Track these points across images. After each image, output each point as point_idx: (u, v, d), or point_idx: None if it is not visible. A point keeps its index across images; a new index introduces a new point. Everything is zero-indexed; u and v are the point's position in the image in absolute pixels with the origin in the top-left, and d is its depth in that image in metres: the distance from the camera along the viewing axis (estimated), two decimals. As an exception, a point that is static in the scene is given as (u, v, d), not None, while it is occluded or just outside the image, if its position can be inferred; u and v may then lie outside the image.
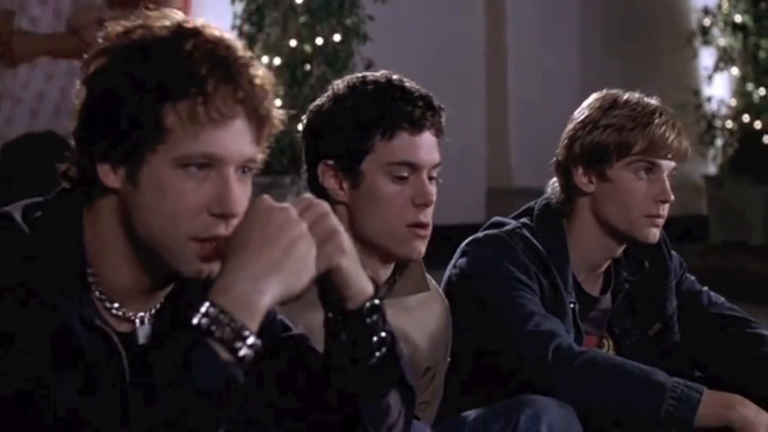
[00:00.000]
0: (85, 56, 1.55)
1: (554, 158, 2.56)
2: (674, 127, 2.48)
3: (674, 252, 2.68)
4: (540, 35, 9.53)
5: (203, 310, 1.44)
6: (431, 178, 2.20)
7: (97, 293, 1.56)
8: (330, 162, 2.18)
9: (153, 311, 1.61)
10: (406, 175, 2.16)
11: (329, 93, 2.21)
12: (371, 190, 2.16)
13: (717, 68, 10.42)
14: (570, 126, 2.53)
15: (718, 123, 10.50)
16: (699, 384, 2.28)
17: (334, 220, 1.57)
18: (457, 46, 9.08)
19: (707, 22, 10.44)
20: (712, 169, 10.67)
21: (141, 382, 1.44)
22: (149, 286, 1.59)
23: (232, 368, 1.44)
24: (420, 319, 2.28)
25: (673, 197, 2.51)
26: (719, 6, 10.39)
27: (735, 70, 10.48)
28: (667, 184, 2.49)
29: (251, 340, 1.45)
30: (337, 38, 7.27)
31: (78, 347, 1.49)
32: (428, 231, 2.18)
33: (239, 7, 7.28)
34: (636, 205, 2.47)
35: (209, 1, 7.40)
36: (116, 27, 1.55)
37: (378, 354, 1.60)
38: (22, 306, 1.46)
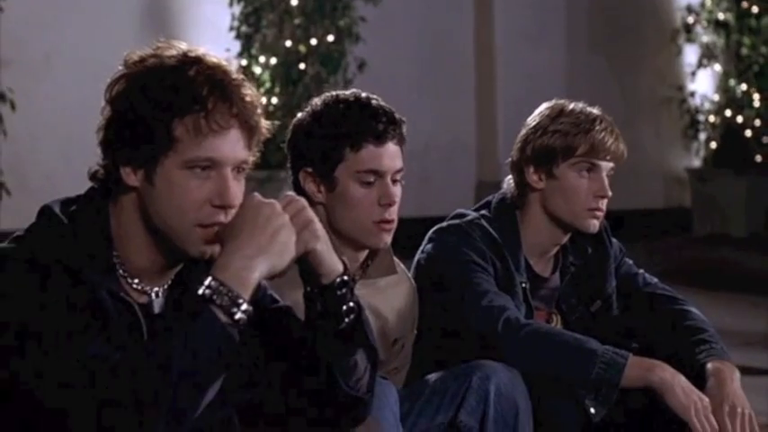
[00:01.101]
0: (108, 80, 1.91)
1: (509, 158, 2.90)
2: (613, 133, 2.81)
3: (614, 239, 3.00)
4: (527, 34, 9.70)
5: (206, 282, 1.79)
6: (395, 181, 2.52)
7: (121, 272, 1.90)
8: (309, 170, 2.53)
9: (165, 287, 1.95)
10: (372, 180, 2.49)
11: (308, 109, 2.56)
12: (344, 193, 2.50)
13: (700, 65, 10.61)
14: (523, 131, 2.86)
15: (701, 118, 10.66)
16: (625, 351, 2.61)
17: (310, 213, 1.92)
18: (447, 45, 9.28)
19: (690, 19, 10.62)
20: (696, 163, 10.85)
21: (157, 341, 1.80)
22: (162, 266, 1.93)
23: (229, 329, 1.79)
24: (389, 297, 2.62)
25: (611, 193, 2.83)
26: (702, 4, 10.53)
27: (718, 67, 10.65)
28: (606, 181, 2.81)
29: (244, 307, 1.80)
30: (331, 38, 7.51)
31: (107, 314, 1.83)
32: (392, 225, 2.52)
33: (237, 9, 7.53)
34: (578, 200, 2.81)
35: (208, 3, 7.70)
36: (133, 56, 1.90)
37: (347, 320, 1.94)
38: (62, 280, 1.81)
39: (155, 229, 1.90)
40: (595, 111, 2.85)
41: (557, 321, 2.88)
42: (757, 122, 10.60)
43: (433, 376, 2.58)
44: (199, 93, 1.85)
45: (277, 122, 6.59)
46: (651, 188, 10.92)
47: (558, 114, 2.82)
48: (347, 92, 2.55)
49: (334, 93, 2.57)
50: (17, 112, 6.48)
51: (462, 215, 2.86)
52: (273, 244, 1.84)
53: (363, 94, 2.53)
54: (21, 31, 6.89)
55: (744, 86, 10.61)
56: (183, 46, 1.91)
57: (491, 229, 2.80)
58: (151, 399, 1.74)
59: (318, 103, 2.55)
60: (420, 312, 2.73)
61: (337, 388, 1.96)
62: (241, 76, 1.91)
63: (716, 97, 10.71)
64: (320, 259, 1.92)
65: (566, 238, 2.88)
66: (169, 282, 1.96)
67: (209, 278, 1.80)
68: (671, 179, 11.04)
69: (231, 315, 1.80)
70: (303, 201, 1.93)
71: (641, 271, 3.00)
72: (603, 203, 2.83)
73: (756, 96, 10.62)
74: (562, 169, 2.81)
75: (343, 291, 1.94)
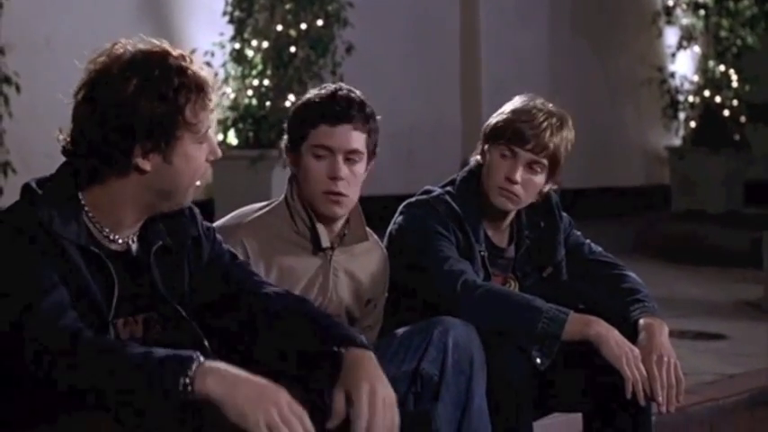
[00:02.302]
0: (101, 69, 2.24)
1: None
2: (539, 127, 3.06)
3: (564, 213, 3.32)
4: (511, 17, 9.86)
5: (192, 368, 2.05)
6: (350, 160, 2.86)
7: (96, 227, 2.25)
8: (289, 145, 2.93)
9: (137, 234, 2.33)
10: (323, 154, 2.86)
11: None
12: (304, 165, 2.89)
13: (680, 46, 10.84)
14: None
15: (681, 98, 10.88)
16: (566, 309, 2.96)
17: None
18: (432, 29, 9.44)
19: (670, 2, 10.80)
20: (676, 141, 11.07)
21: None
22: (139, 220, 2.31)
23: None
24: (363, 263, 2.97)
25: (519, 180, 3.08)
26: (682, -13, 10.89)
27: (697, 48, 10.87)
28: (519, 169, 3.08)
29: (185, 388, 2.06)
30: (320, 23, 7.66)
31: (72, 262, 2.18)
32: (341, 198, 2.87)
33: (230, -5, 7.69)
34: (494, 178, 3.12)
35: (202, -11, 7.94)
36: (104, 58, 2.24)
37: None
38: (35, 238, 2.16)
39: (162, 195, 2.27)
40: (540, 104, 3.12)
41: (514, 286, 3.22)
42: (735, 102, 10.84)
43: (399, 331, 2.90)
44: (199, 84, 2.26)
45: (269, 103, 7.14)
46: (632, 166, 11.19)
47: (514, 104, 3.15)
48: (333, 85, 2.93)
49: (324, 85, 2.96)
50: (20, 94, 6.61)
51: (429, 191, 3.21)
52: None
53: (344, 87, 2.91)
54: (22, 15, 6.98)
55: (722, 68, 10.83)
56: (143, 44, 2.27)
57: (454, 204, 3.13)
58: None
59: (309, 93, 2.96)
60: (391, 277, 3.07)
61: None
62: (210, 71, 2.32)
63: (695, 78, 10.93)
64: None
65: (508, 211, 3.18)
66: (137, 230, 2.33)
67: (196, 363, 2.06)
68: (651, 157, 11.28)
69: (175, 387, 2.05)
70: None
71: (588, 241, 3.33)
72: (515, 188, 3.11)
73: (734, 77, 10.85)
74: (492, 148, 3.14)
75: None
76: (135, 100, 2.21)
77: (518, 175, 3.10)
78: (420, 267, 3.03)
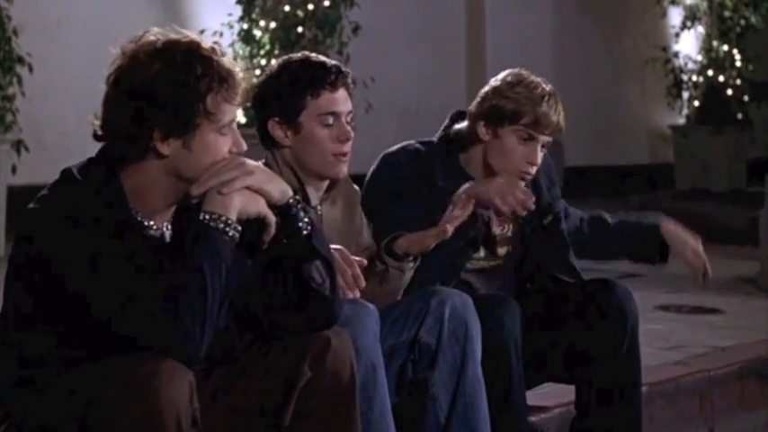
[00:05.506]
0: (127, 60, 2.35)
1: (469, 108, 3.31)
2: (557, 111, 3.18)
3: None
4: None
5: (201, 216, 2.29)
6: (349, 120, 2.98)
7: (139, 217, 2.37)
8: (276, 119, 2.98)
9: (170, 221, 2.43)
10: (331, 121, 2.96)
11: (267, 72, 3.01)
12: (309, 135, 2.96)
13: (684, 26, 10.91)
14: (486, 88, 3.27)
15: (685, 77, 10.95)
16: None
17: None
18: (438, 9, 9.51)
19: (674, -18, 11.04)
20: (679, 120, 11.15)
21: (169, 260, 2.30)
22: (170, 205, 2.40)
23: (222, 243, 2.29)
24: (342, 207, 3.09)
25: (540, 161, 3.22)
26: (686, -32, 10.96)
27: (701, 28, 10.95)
28: (539, 152, 3.21)
29: (233, 227, 2.31)
30: (327, 3, 7.75)
31: (125, 247, 2.30)
32: (348, 157, 2.99)
33: (239, -24, 7.77)
34: (513, 161, 3.22)
35: (211, -30, 8.04)
36: (133, 45, 2.34)
37: (305, 231, 2.44)
38: (78, 221, 2.27)
39: (184, 180, 2.35)
40: (548, 87, 3.22)
41: (507, 229, 3.35)
42: (738, 82, 10.92)
43: (398, 301, 3.04)
44: (223, 76, 2.34)
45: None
46: (636, 144, 11.31)
47: (517, 83, 3.22)
48: (297, 54, 3.02)
49: (285, 56, 3.04)
50: (32, 74, 6.67)
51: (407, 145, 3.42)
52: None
53: (312, 54, 3.01)
54: (34, -4, 7.15)
55: (726, 47, 10.91)
56: (175, 33, 2.37)
57: (427, 159, 3.35)
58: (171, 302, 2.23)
59: (274, 66, 3.01)
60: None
61: (307, 286, 2.44)
62: (233, 55, 2.40)
63: (699, 57, 11.00)
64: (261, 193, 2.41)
65: None
66: (171, 218, 2.44)
67: (202, 213, 2.30)
68: (655, 136, 11.38)
69: (225, 233, 2.31)
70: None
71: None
72: (533, 169, 3.24)
73: (738, 56, 10.93)
74: (506, 131, 3.23)
75: (297, 208, 2.44)
76: (155, 84, 2.30)
77: (539, 158, 3.23)
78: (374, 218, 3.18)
